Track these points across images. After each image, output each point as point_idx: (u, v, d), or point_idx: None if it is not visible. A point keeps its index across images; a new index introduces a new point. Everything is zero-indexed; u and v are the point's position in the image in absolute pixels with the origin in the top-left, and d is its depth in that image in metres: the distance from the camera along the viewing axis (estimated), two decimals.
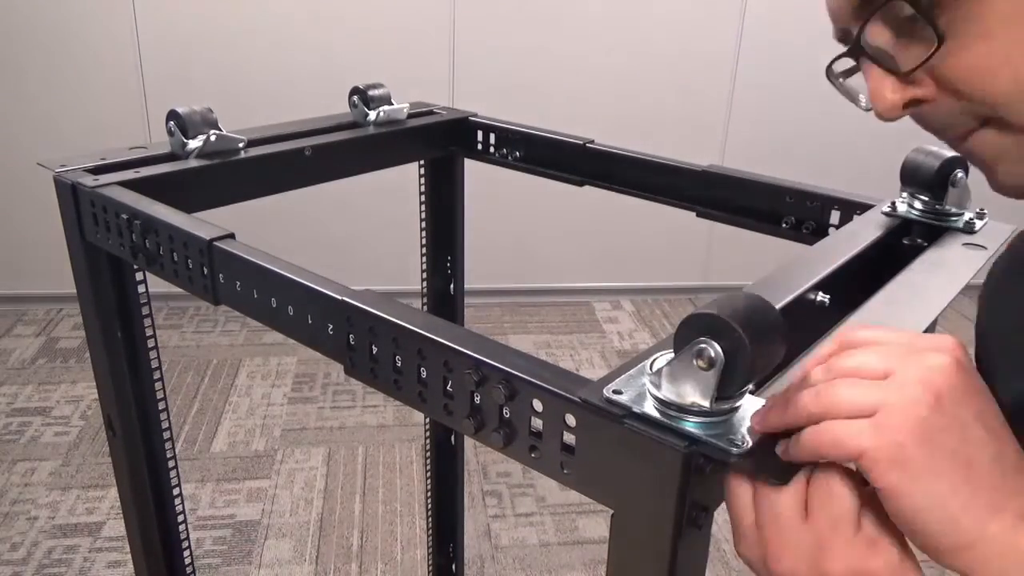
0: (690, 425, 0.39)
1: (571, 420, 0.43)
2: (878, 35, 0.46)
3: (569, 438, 0.44)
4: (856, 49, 0.47)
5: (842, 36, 0.50)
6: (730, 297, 0.40)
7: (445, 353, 0.48)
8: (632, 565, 0.42)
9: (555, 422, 0.44)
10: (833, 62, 0.51)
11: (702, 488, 0.40)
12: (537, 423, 0.45)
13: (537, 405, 0.44)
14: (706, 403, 0.39)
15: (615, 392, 0.41)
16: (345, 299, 0.53)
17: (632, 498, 0.41)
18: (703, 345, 0.38)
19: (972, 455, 0.37)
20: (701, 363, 0.39)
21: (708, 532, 0.43)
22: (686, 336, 0.39)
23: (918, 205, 0.71)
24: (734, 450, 0.38)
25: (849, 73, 0.52)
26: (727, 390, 0.39)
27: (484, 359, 0.46)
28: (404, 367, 0.52)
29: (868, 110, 0.50)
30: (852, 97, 0.53)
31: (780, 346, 0.40)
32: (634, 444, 0.40)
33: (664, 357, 0.43)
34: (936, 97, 0.46)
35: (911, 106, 0.47)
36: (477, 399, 0.48)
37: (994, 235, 0.68)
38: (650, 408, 0.40)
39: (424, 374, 0.50)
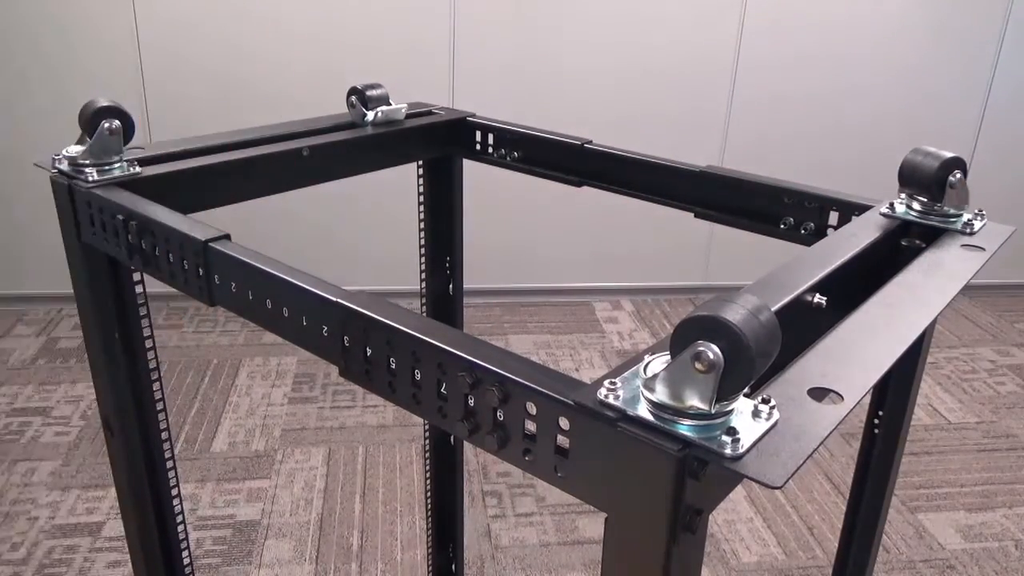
0: (684, 428, 0.39)
1: (564, 423, 0.43)
2: None
3: (563, 441, 0.43)
4: None
5: None
6: (725, 299, 0.39)
7: (439, 355, 0.48)
8: (626, 569, 0.42)
9: (549, 425, 0.44)
10: None
11: (696, 491, 0.40)
12: (531, 426, 0.45)
13: (531, 408, 0.44)
14: (705, 406, 0.39)
15: (608, 395, 0.41)
16: (339, 301, 0.53)
17: (626, 501, 0.41)
18: (701, 348, 0.38)
19: None
20: (700, 366, 0.38)
21: (703, 535, 0.42)
22: (684, 339, 0.39)
23: (916, 206, 0.71)
24: (728, 453, 0.38)
25: None
26: (727, 392, 0.39)
27: (478, 361, 0.46)
28: (398, 369, 0.51)
29: None
30: None
31: (777, 346, 0.40)
32: (627, 447, 0.40)
33: (659, 360, 0.43)
34: None
35: None
36: (471, 402, 0.47)
37: (993, 236, 0.68)
38: (644, 411, 0.40)
39: (418, 376, 0.50)
